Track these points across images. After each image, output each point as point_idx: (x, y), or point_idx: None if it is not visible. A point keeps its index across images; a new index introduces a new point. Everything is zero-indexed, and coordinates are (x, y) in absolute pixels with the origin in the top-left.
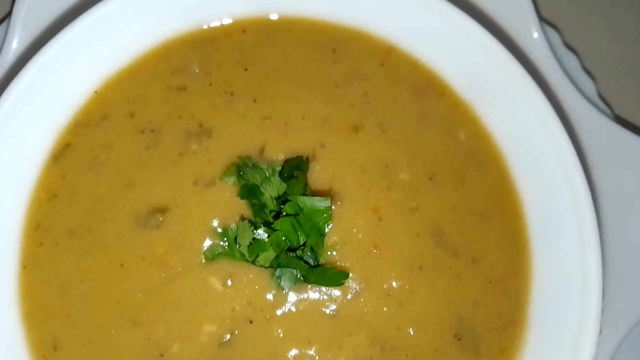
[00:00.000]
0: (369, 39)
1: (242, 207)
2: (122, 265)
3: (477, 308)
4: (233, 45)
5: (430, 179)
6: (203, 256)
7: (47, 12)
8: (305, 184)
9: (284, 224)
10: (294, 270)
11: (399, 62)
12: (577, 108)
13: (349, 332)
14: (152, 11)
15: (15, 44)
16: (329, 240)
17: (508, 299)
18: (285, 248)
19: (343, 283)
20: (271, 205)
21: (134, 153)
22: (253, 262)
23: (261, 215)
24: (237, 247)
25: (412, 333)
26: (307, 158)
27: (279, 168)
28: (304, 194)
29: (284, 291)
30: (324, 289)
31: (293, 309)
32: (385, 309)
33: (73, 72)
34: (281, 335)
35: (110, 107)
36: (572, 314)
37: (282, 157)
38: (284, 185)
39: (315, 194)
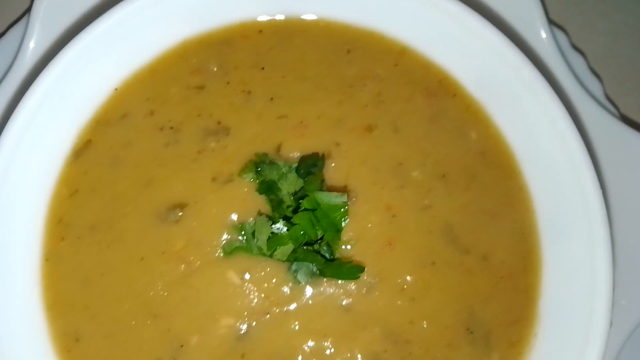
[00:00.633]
0: (383, 40)
1: (260, 203)
2: (142, 259)
3: (488, 303)
4: (250, 46)
5: (442, 177)
6: (221, 251)
7: (65, 12)
8: (322, 181)
9: (302, 219)
10: (310, 264)
11: (411, 63)
12: (585, 108)
13: (364, 325)
14: (171, 13)
15: (33, 44)
16: (344, 235)
17: (518, 295)
18: (303, 242)
19: (359, 277)
20: (288, 201)
21: (154, 150)
22: (270, 256)
23: (279, 210)
24: (255, 241)
25: (424, 327)
26: (323, 155)
27: (295, 165)
28: (321, 190)
29: (301, 285)
30: (339, 283)
31: (309, 302)
32: (398, 303)
33: (94, 71)
34: (297, 328)
35: (130, 105)
36: (582, 309)
37: (298, 155)
38: (301, 181)
39: (330, 190)
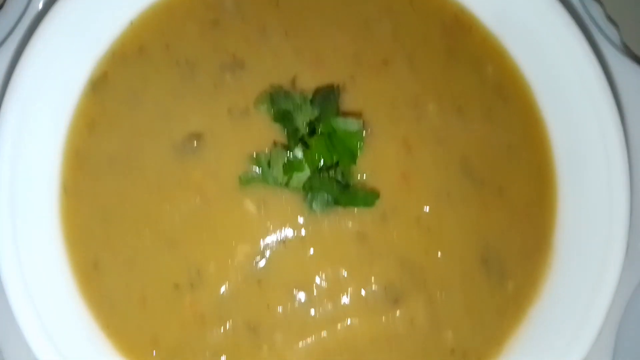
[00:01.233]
0: None
1: (275, 134)
2: (159, 189)
3: (503, 235)
4: None
5: (458, 111)
6: (238, 181)
7: None
8: (338, 109)
9: (318, 142)
10: (325, 194)
11: None
12: (603, 51)
13: (379, 254)
14: None
15: None
16: (359, 167)
17: (534, 227)
18: (319, 167)
19: (374, 204)
20: (303, 130)
21: (170, 84)
22: (286, 186)
23: (294, 139)
24: (271, 171)
25: (439, 257)
26: (338, 87)
27: (310, 97)
28: (337, 116)
29: (316, 214)
30: (355, 213)
31: (324, 231)
32: (414, 234)
33: (110, 3)
34: (312, 256)
35: (146, 39)
36: (599, 240)
37: (313, 88)
38: (315, 112)
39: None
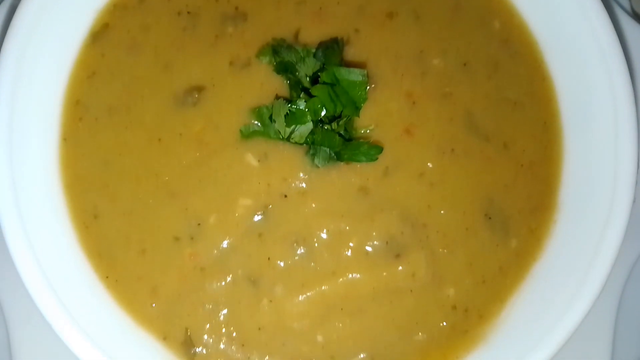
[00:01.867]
0: None
1: (277, 87)
2: (160, 141)
3: (507, 191)
4: None
5: (464, 66)
6: (239, 134)
7: None
8: (342, 60)
9: (321, 91)
10: (327, 148)
11: None
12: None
13: (381, 208)
14: None
15: None
16: (363, 120)
17: (539, 183)
18: (321, 117)
19: (377, 158)
20: (306, 82)
21: (171, 35)
22: (288, 140)
23: (297, 90)
24: (273, 124)
25: (442, 212)
26: (342, 40)
27: (313, 50)
28: (340, 66)
29: (318, 168)
30: (357, 167)
31: (327, 185)
32: (417, 188)
33: None
34: (314, 210)
35: None
36: (603, 197)
37: (316, 42)
38: (319, 64)
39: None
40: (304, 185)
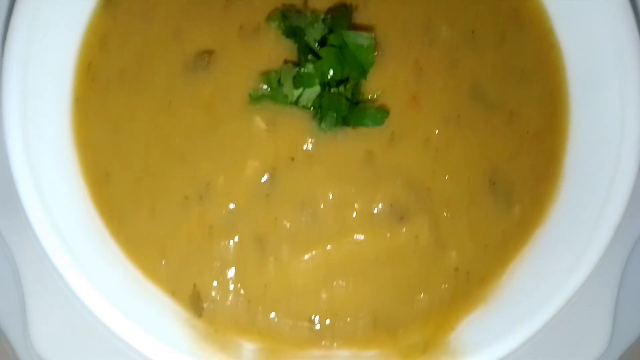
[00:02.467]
0: None
1: (286, 52)
2: (170, 105)
3: (512, 159)
4: None
5: (472, 34)
6: (248, 98)
7: None
8: (350, 24)
9: (329, 54)
10: (334, 113)
11: None
12: None
13: (386, 173)
14: None
15: None
16: (370, 87)
17: (543, 153)
18: (329, 81)
19: (383, 123)
20: (314, 47)
21: (182, 2)
22: (296, 104)
23: (305, 54)
24: (281, 89)
25: (447, 179)
26: (351, 5)
27: (322, 16)
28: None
29: (325, 132)
30: (363, 132)
31: (333, 150)
32: (422, 154)
33: None
34: (321, 173)
35: None
36: (607, 168)
37: (325, 8)
38: (327, 29)
39: None
40: (310, 148)
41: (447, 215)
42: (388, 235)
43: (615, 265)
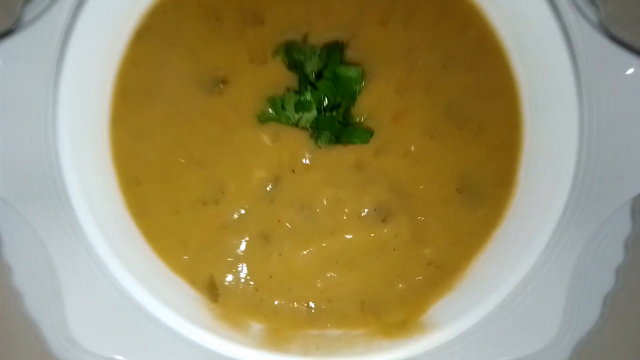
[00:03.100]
0: None
1: (288, 81)
2: (190, 120)
3: (479, 169)
4: None
5: (444, 64)
6: (256, 118)
7: None
8: (342, 59)
9: (324, 85)
10: (329, 132)
11: None
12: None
13: (372, 181)
14: None
15: None
16: (359, 109)
17: (504, 163)
18: (324, 106)
19: (369, 141)
20: (312, 77)
21: (202, 35)
22: (296, 125)
23: (305, 83)
24: (284, 112)
25: (423, 185)
26: (342, 42)
27: (318, 51)
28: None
29: (320, 148)
30: (353, 147)
31: (327, 162)
32: (402, 165)
33: None
34: (317, 181)
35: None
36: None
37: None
38: (323, 62)
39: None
40: (308, 161)
41: (422, 217)
42: (372, 234)
43: (569, 259)
